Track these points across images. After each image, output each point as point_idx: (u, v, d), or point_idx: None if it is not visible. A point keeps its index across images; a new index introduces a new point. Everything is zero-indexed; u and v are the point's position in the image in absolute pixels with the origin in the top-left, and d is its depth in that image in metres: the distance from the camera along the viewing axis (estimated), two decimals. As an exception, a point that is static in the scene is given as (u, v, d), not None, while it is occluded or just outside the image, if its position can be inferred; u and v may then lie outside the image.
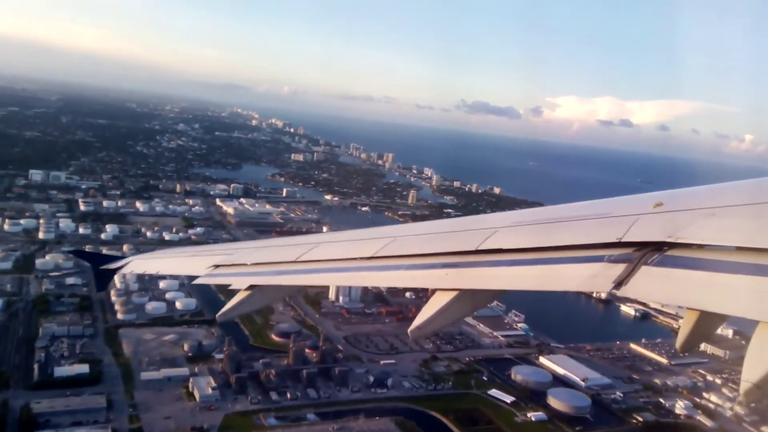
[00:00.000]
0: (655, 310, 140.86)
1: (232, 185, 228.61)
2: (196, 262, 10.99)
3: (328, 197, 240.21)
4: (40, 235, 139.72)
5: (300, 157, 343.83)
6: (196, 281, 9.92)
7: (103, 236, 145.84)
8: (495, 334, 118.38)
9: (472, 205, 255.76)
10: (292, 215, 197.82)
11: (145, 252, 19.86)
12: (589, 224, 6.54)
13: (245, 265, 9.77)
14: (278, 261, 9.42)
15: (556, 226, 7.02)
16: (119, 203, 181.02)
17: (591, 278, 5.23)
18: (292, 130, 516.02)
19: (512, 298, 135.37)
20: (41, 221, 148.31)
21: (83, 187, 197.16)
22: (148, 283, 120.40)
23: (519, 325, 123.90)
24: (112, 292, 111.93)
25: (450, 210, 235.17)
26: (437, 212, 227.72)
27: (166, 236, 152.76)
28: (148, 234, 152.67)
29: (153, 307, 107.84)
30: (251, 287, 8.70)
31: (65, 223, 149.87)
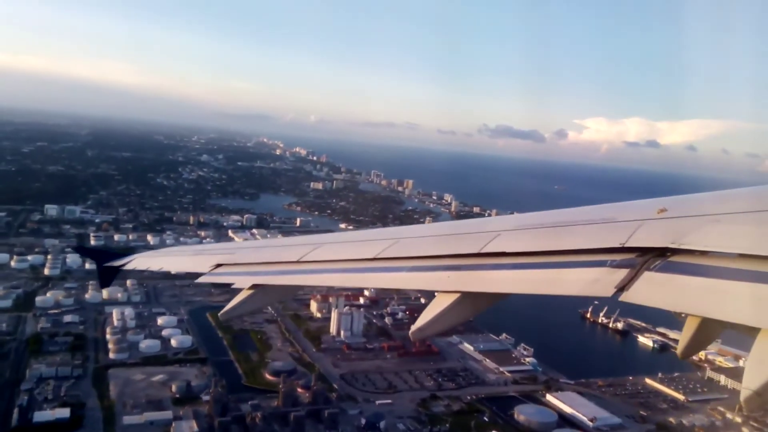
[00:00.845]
0: (675, 341, 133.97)
1: (246, 216, 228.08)
2: (199, 261, 11.27)
3: (342, 226, 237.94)
4: (46, 271, 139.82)
5: (319, 186, 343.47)
6: (199, 279, 10.18)
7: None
8: (501, 369, 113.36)
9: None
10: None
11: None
12: (592, 229, 6.60)
13: (248, 264, 9.96)
14: (281, 261, 9.50)
15: (559, 230, 7.03)
16: (130, 237, 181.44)
17: (593, 283, 5.27)
18: (314, 158, 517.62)
19: (522, 331, 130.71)
20: (48, 257, 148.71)
21: (97, 220, 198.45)
22: (146, 319, 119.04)
23: (527, 359, 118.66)
24: (108, 330, 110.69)
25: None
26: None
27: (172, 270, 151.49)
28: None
29: (147, 345, 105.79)
30: (254, 286, 8.74)
31: (72, 259, 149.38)
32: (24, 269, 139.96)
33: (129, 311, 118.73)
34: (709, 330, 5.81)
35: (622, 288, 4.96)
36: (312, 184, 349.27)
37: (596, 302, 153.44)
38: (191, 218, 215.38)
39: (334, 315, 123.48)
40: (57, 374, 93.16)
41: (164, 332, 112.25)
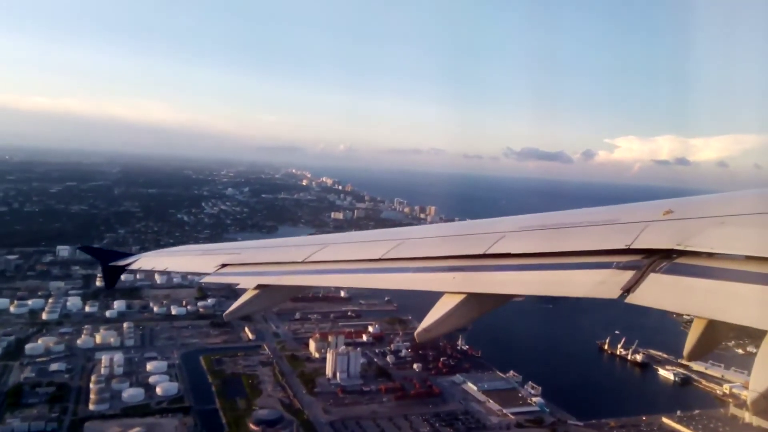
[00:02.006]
0: (698, 373, 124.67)
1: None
2: (204, 261, 11.35)
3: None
4: (44, 316, 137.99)
5: (340, 215, 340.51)
6: (204, 279, 10.53)
7: (107, 313, 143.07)
8: (505, 411, 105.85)
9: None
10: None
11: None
12: (597, 230, 6.59)
13: (253, 264, 10.10)
14: (286, 261, 9.55)
15: (564, 232, 7.06)
16: (138, 276, 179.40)
17: (599, 284, 5.31)
18: (340, 187, 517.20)
19: (534, 365, 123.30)
20: (50, 300, 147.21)
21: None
22: (136, 365, 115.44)
23: (534, 399, 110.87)
24: (93, 378, 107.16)
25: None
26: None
27: (174, 310, 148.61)
28: (155, 309, 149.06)
29: (130, 394, 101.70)
30: (259, 287, 8.84)
31: (73, 302, 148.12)
32: (23, 314, 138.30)
33: (118, 357, 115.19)
34: (716, 332, 5.91)
35: (628, 290, 4.99)
36: (333, 214, 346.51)
37: (617, 332, 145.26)
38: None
39: (329, 356, 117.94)
40: (29, 429, 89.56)
41: (151, 379, 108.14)
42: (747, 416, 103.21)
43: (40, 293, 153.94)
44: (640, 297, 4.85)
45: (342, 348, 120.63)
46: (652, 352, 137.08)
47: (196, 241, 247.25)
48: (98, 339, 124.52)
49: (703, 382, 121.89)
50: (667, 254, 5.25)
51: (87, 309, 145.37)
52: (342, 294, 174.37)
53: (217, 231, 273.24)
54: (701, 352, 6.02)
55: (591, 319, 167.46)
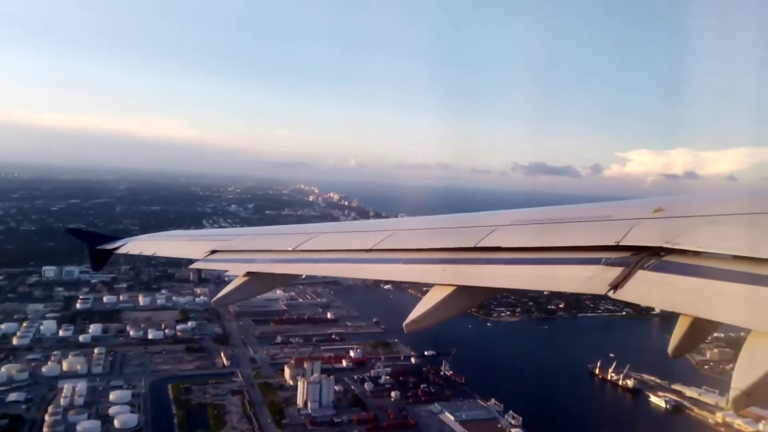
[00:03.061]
0: (691, 400, 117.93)
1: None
2: (194, 246, 11.41)
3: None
4: (14, 341, 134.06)
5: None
6: (193, 266, 10.47)
7: (81, 338, 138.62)
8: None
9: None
10: (301, 300, 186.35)
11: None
12: (588, 226, 6.63)
13: (243, 251, 10.24)
14: (277, 249, 9.62)
15: (555, 227, 7.13)
16: (121, 297, 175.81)
17: (587, 280, 5.38)
18: (346, 203, 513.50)
19: (520, 391, 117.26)
20: (24, 324, 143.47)
21: (93, 281, 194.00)
22: (99, 394, 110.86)
23: (513, 430, 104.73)
24: (50, 408, 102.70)
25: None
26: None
27: (151, 334, 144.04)
28: (131, 333, 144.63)
29: (85, 427, 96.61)
30: (248, 274, 8.83)
31: (47, 326, 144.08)
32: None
33: (81, 386, 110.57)
34: (701, 330, 6.00)
35: (616, 286, 5.05)
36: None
37: (611, 355, 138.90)
38: (191, 274, 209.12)
39: (300, 384, 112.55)
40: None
41: (111, 410, 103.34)
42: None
43: (16, 316, 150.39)
44: (628, 293, 4.92)
45: (314, 376, 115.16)
46: (645, 376, 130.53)
47: (189, 260, 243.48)
48: (65, 366, 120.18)
49: (696, 409, 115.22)
50: (656, 252, 5.29)
51: (61, 333, 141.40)
52: (328, 316, 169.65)
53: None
54: (685, 349, 6.13)
55: (587, 340, 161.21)
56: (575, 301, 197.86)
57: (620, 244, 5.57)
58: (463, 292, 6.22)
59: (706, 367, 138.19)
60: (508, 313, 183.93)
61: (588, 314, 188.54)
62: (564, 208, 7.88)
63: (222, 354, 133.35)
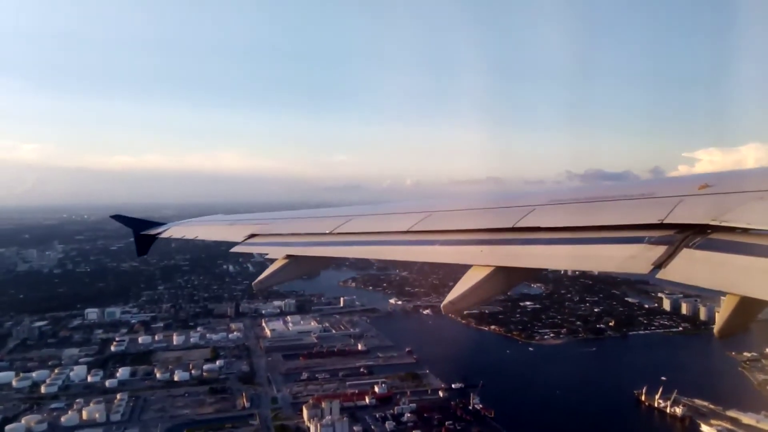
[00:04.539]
0: (748, 427, 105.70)
1: (286, 301, 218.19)
2: (234, 231, 12.18)
3: (392, 301, 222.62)
4: (42, 389, 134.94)
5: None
6: (234, 249, 11.12)
7: (107, 383, 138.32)
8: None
9: (560, 292, 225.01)
10: (334, 331, 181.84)
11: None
12: (630, 204, 6.49)
13: (282, 235, 10.70)
14: (314, 232, 9.99)
15: (595, 206, 6.94)
16: (156, 337, 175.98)
17: (629, 259, 5.25)
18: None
19: (562, 420, 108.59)
20: (56, 371, 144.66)
21: (133, 321, 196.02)
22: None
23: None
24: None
25: (529, 303, 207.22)
26: (511, 308, 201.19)
27: (177, 376, 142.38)
28: (158, 375, 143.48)
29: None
30: (287, 257, 9.33)
31: (77, 371, 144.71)
32: (23, 388, 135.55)
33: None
34: (749, 309, 5.78)
35: (659, 265, 4.92)
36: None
37: (663, 378, 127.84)
38: (228, 309, 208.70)
39: (312, 427, 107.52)
40: None
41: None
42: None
43: (51, 363, 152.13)
44: (672, 272, 4.78)
45: (327, 417, 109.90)
46: (697, 401, 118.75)
47: (231, 294, 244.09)
48: (84, 414, 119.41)
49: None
50: (702, 229, 5.11)
51: (89, 379, 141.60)
52: (359, 347, 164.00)
53: (252, 279, 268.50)
54: (733, 329, 5.94)
55: (637, 362, 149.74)
56: (626, 318, 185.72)
57: (664, 222, 5.41)
58: (500, 272, 6.18)
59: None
60: (552, 335, 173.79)
61: (640, 331, 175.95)
62: (605, 186, 8.15)
63: (243, 394, 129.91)
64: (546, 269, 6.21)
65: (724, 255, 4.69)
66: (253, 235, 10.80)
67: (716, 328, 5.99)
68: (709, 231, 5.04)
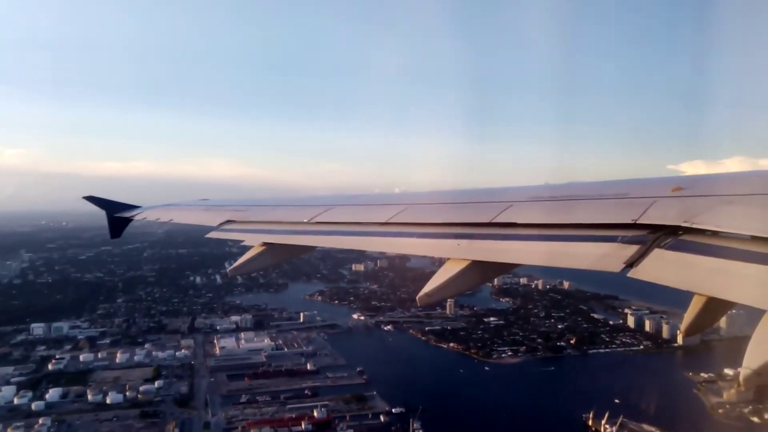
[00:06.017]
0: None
1: (243, 316, 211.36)
2: (210, 216, 12.18)
3: (354, 316, 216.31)
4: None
5: (361, 267, 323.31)
6: (209, 235, 11.12)
7: (33, 406, 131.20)
8: None
9: (527, 307, 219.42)
10: (286, 350, 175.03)
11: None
12: (604, 204, 6.55)
13: (258, 222, 10.71)
14: (292, 221, 10.01)
15: (571, 204, 6.99)
16: (99, 355, 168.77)
17: (602, 257, 5.34)
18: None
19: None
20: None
21: (80, 337, 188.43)
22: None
23: None
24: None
25: (493, 319, 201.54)
26: (475, 324, 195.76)
27: (109, 398, 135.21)
28: (89, 397, 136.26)
29: None
30: (263, 245, 9.22)
31: (5, 392, 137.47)
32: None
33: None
34: (715, 310, 5.97)
35: (631, 264, 5.02)
36: (354, 265, 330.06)
37: (617, 401, 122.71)
38: (181, 325, 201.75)
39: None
40: None
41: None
42: None
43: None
44: (642, 272, 4.86)
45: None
46: (645, 427, 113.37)
47: (189, 308, 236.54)
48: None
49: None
50: (673, 230, 5.21)
51: (15, 401, 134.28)
52: (308, 367, 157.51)
53: (221, 293, 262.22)
54: (699, 328, 6.13)
55: (594, 383, 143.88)
56: (589, 336, 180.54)
57: (637, 222, 5.48)
58: (476, 267, 6.26)
59: (721, 410, 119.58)
60: (510, 353, 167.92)
61: (601, 350, 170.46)
62: (581, 185, 7.91)
63: (174, 420, 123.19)
64: (520, 264, 6.16)
65: (694, 256, 4.76)
66: (229, 221, 10.74)
67: (682, 327, 6.21)
68: (680, 232, 5.14)
